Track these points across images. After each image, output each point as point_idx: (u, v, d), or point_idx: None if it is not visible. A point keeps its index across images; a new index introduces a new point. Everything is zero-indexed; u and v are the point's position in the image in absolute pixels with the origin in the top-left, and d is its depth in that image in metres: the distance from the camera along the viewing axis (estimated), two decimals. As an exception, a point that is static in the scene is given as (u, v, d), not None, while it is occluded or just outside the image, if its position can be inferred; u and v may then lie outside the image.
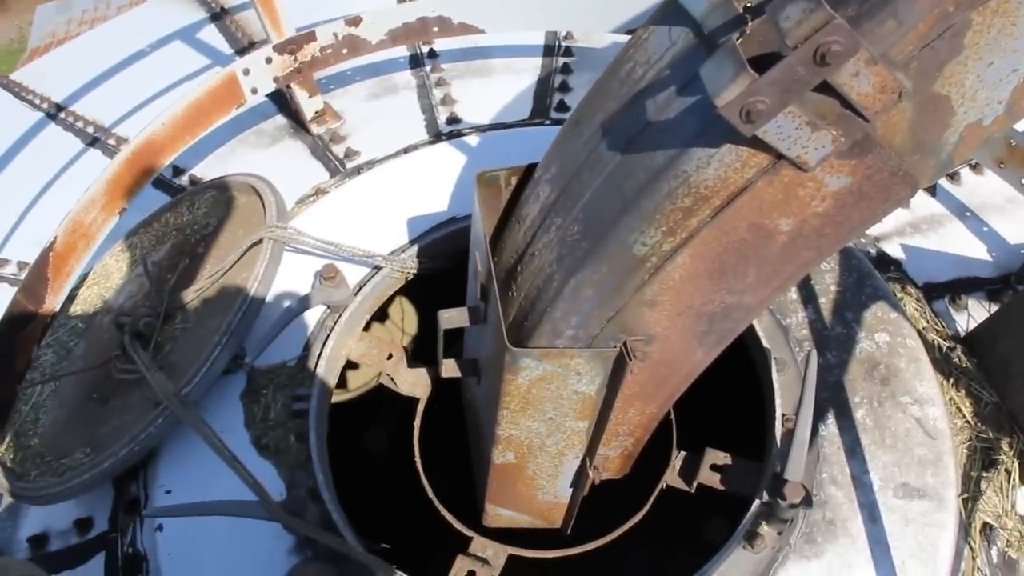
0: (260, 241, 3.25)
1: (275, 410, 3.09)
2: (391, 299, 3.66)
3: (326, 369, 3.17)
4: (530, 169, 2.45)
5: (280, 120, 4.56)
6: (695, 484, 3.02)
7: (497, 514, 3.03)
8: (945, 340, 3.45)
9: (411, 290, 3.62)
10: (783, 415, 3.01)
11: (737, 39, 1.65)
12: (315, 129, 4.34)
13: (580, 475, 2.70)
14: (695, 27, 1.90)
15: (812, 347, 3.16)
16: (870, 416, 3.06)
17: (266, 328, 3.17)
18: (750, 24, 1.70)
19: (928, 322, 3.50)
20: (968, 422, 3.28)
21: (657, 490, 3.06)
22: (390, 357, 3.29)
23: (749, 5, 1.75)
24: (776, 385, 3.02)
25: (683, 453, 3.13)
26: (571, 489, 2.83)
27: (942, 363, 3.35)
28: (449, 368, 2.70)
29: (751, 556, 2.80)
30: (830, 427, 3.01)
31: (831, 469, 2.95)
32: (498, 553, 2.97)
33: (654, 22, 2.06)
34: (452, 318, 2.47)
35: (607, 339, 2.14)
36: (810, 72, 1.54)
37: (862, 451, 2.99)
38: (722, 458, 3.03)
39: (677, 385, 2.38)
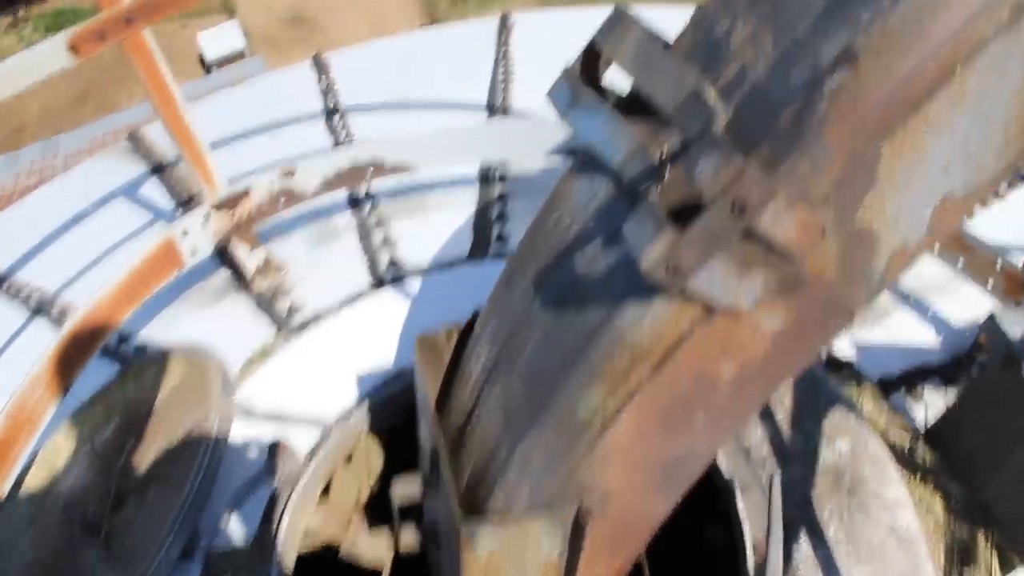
0: (207, 417, 3.18)
1: (236, 592, 2.99)
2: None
3: (285, 546, 3.07)
4: (471, 323, 2.42)
5: (223, 275, 4.53)
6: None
7: None
8: (907, 435, 3.43)
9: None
10: (754, 539, 2.94)
11: (656, 191, 1.64)
12: (258, 284, 4.31)
13: None
14: (614, 176, 1.89)
15: (774, 469, 3.12)
16: (842, 529, 3.00)
17: (220, 508, 3.08)
18: (667, 174, 1.69)
19: (887, 420, 3.48)
20: (940, 521, 3.24)
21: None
22: (347, 525, 3.20)
23: (664, 153, 1.75)
24: (742, 512, 2.97)
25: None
26: None
27: (906, 460, 3.31)
28: (408, 541, 2.62)
29: None
30: (803, 546, 2.95)
31: (809, 591, 2.89)
32: None
33: (576, 170, 2.05)
34: (406, 491, 2.41)
35: (562, 501, 2.08)
36: (731, 222, 1.53)
37: (837, 569, 2.93)
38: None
39: (641, 535, 2.31)
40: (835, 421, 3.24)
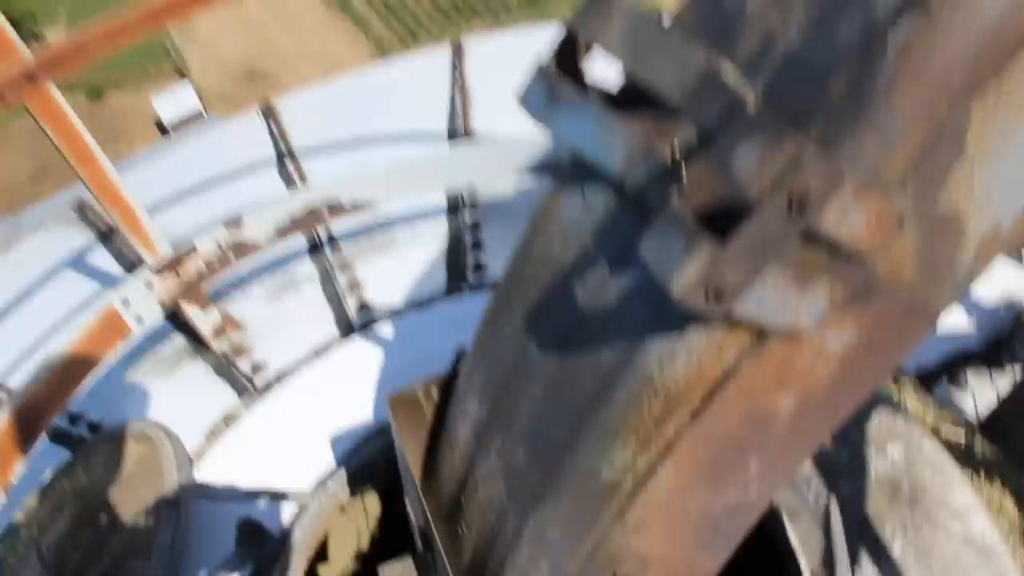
0: (165, 501, 2.77)
1: None
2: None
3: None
4: (453, 374, 2.02)
5: (179, 340, 4.10)
6: None
7: None
8: (959, 430, 3.04)
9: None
10: (811, 571, 2.54)
11: (676, 197, 1.25)
12: (216, 346, 3.88)
13: None
14: (614, 185, 1.50)
15: (821, 490, 2.73)
16: (909, 546, 2.61)
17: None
18: (686, 175, 1.30)
19: (936, 417, 3.09)
20: (1015, 521, 2.85)
21: None
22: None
23: (676, 150, 1.35)
24: (794, 541, 2.56)
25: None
26: None
27: (965, 458, 2.93)
28: None
29: None
30: (867, 572, 2.55)
31: (884, 626, 2.50)
32: None
33: (562, 184, 1.66)
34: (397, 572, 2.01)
35: (592, 575, 1.69)
36: (786, 225, 1.14)
37: (913, 594, 2.54)
38: (755, 643, 2.55)
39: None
40: (882, 425, 2.85)
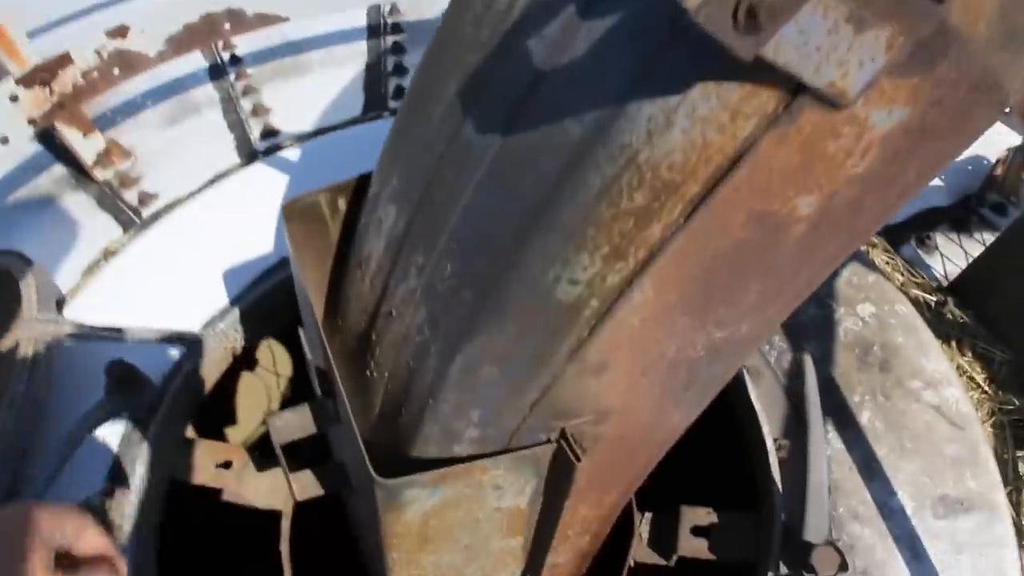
0: (22, 339, 2.34)
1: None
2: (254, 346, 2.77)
3: (145, 500, 2.26)
4: (363, 183, 1.61)
5: (58, 170, 3.60)
6: (675, 557, 2.23)
7: None
8: (930, 294, 2.75)
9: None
10: (776, 441, 2.23)
11: None
12: (99, 175, 3.39)
13: None
14: None
15: (784, 348, 2.41)
16: (879, 416, 2.32)
17: (49, 456, 2.24)
18: None
19: (904, 276, 2.79)
20: (986, 392, 2.59)
21: (624, 574, 2.26)
22: (228, 465, 2.38)
23: None
24: (756, 403, 2.24)
25: (649, 515, 2.34)
26: None
27: (935, 324, 2.63)
28: (304, 486, 1.81)
29: (772, 648, 2.04)
30: (833, 442, 2.26)
31: (848, 500, 2.20)
32: None
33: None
34: (289, 426, 1.63)
35: (534, 430, 1.34)
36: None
37: (881, 466, 2.25)
38: (704, 516, 2.24)
39: (646, 463, 1.58)
40: (852, 279, 2.53)
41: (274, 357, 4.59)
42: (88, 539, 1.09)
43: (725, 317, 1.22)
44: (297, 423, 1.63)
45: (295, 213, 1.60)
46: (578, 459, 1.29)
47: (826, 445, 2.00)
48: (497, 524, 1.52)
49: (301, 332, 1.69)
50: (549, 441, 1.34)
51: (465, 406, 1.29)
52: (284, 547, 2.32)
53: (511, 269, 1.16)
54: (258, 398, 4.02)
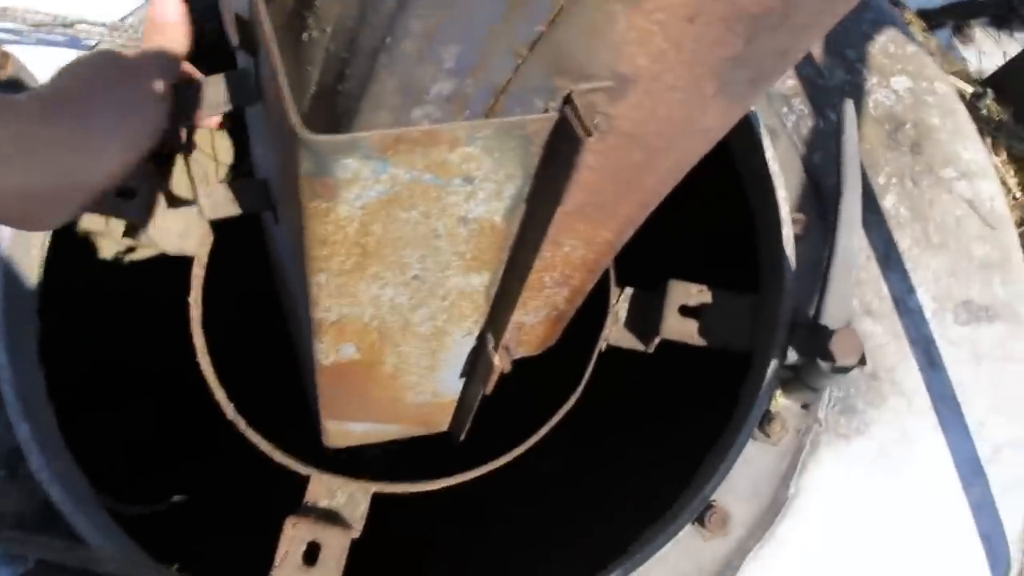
0: None
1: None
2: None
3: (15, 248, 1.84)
4: None
5: None
6: (655, 340, 1.90)
7: (344, 431, 1.85)
8: (968, 83, 2.39)
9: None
10: (790, 206, 1.89)
11: None
12: None
13: (478, 363, 1.55)
14: None
15: (810, 114, 2.04)
16: (904, 203, 1.98)
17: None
18: None
19: (940, 62, 2.42)
20: (1016, 199, 2.27)
21: (594, 357, 1.93)
22: (130, 195, 1.93)
23: None
24: (772, 165, 1.87)
25: (630, 291, 1.99)
26: (462, 381, 1.68)
27: (972, 114, 2.28)
28: (216, 203, 1.41)
29: (767, 449, 1.74)
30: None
31: (862, 291, 1.89)
32: (356, 496, 1.80)
33: None
34: (211, 94, 1.22)
35: (529, 95, 0.95)
36: None
37: (901, 259, 1.93)
38: (696, 294, 1.89)
39: (660, 183, 1.20)
40: (889, 48, 2.15)
41: (214, 143, 4.13)
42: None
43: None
44: (211, 99, 1.23)
45: None
46: (588, 133, 0.91)
47: (861, 215, 1.64)
48: (460, 245, 1.14)
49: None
50: (549, 111, 0.95)
51: (438, 38, 0.89)
52: (194, 295, 1.93)
53: None
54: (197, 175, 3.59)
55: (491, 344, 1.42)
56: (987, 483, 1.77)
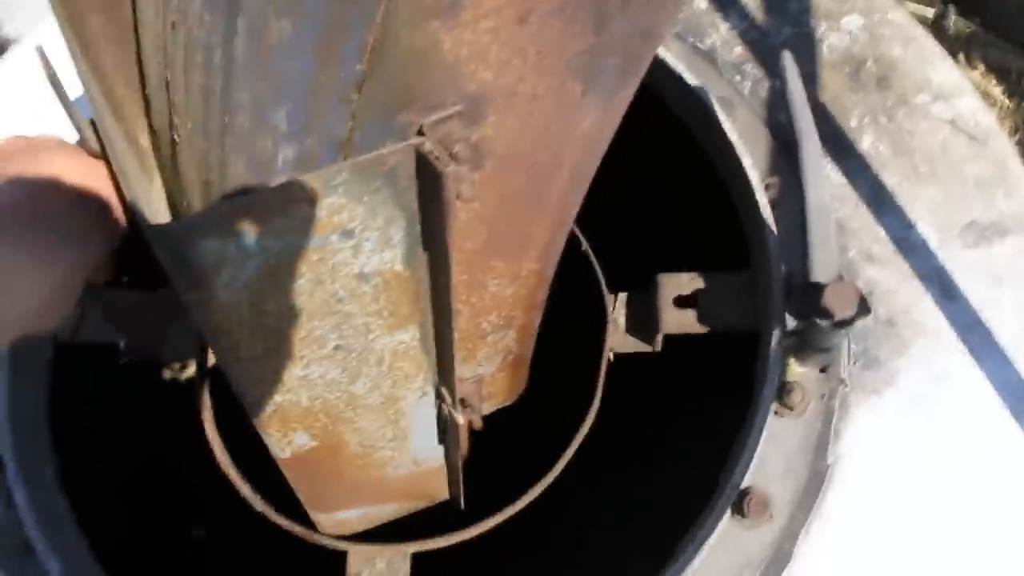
0: None
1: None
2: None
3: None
4: None
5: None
6: (659, 337, 1.85)
7: (338, 521, 1.80)
8: (927, 5, 2.32)
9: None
10: (764, 179, 1.84)
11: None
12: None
13: (443, 424, 1.49)
14: None
15: (763, 76, 1.99)
16: (883, 140, 1.91)
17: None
18: None
19: (895, -13, 2.35)
20: (1006, 106, 2.18)
21: (602, 372, 1.88)
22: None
23: None
24: (732, 136, 1.83)
25: (623, 295, 1.95)
26: (439, 446, 1.62)
27: (938, 36, 2.21)
28: None
29: (791, 422, 1.67)
30: (832, 176, 1.86)
31: (859, 239, 1.82)
32: (395, 561, 1.76)
33: None
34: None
35: (373, 142, 0.91)
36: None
37: (892, 197, 1.86)
38: (688, 283, 1.84)
39: (565, 198, 1.16)
40: (829, -10, 2.09)
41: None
42: None
43: None
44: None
45: None
46: (447, 164, 0.88)
47: (824, 160, 1.59)
48: (370, 304, 1.08)
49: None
50: (405, 144, 0.92)
51: (266, 104, 0.88)
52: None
53: None
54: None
55: (449, 401, 1.36)
56: (1036, 404, 1.69)
